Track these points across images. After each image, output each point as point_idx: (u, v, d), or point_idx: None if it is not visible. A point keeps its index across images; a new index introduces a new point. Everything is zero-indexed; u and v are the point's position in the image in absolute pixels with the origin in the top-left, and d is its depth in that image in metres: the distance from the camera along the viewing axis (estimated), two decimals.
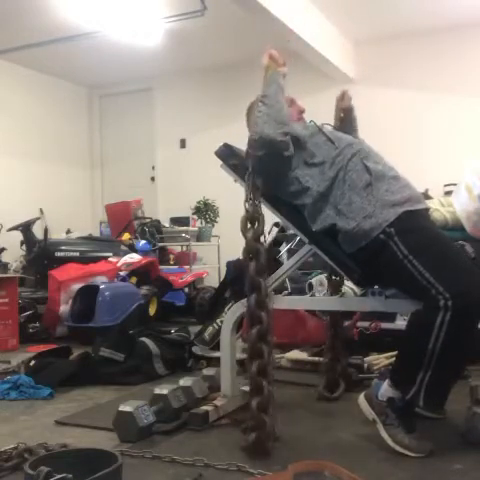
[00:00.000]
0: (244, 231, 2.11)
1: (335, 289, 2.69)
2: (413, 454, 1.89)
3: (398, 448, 1.91)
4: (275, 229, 5.00)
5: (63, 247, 5.26)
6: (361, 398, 2.12)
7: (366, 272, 2.14)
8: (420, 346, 1.88)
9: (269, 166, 2.22)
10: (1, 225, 5.79)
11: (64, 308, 4.50)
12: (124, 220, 6.45)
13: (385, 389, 2.01)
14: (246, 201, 2.14)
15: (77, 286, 4.55)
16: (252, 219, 2.12)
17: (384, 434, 1.97)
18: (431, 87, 6.54)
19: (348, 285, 2.88)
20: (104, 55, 7.03)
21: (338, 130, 2.54)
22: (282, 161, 2.22)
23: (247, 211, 2.13)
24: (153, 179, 8.13)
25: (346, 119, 2.66)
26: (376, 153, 2.28)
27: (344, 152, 2.20)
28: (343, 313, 2.81)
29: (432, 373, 1.87)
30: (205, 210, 6.75)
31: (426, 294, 1.90)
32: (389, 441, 1.94)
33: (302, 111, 2.48)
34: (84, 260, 5.12)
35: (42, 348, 3.57)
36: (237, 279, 3.34)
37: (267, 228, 4.56)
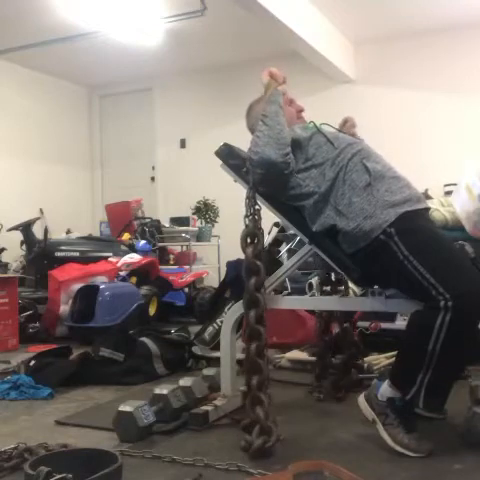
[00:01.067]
0: (244, 247, 2.11)
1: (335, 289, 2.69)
2: (413, 454, 1.88)
3: (398, 448, 1.91)
4: (275, 229, 5.00)
5: (63, 247, 5.26)
6: (361, 398, 2.12)
7: (366, 272, 2.14)
8: (420, 346, 1.88)
9: (269, 182, 2.24)
10: (1, 225, 5.79)
11: (64, 308, 4.50)
12: (124, 220, 6.46)
13: (385, 389, 2.01)
14: (246, 216, 2.15)
15: (77, 286, 4.55)
16: (252, 235, 2.13)
17: (384, 434, 1.97)
18: (431, 87, 6.54)
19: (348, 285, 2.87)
20: (104, 55, 7.03)
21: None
22: (282, 178, 2.22)
23: (247, 226, 2.13)
24: (153, 179, 8.13)
25: None
26: (375, 153, 2.27)
27: (344, 152, 2.20)
28: (343, 313, 2.81)
29: (432, 373, 1.87)
30: (205, 210, 6.76)
31: (426, 294, 1.90)
32: (389, 441, 1.94)
33: (301, 110, 2.48)
34: (84, 260, 5.12)
35: (42, 348, 3.57)
36: (237, 279, 3.33)
37: (267, 228, 4.56)
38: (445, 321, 1.83)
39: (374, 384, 2.10)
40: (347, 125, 2.61)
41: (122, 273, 5.06)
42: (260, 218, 2.18)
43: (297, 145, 2.25)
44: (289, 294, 3.98)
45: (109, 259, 5.20)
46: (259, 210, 2.19)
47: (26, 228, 5.36)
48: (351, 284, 2.67)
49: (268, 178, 2.21)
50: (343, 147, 2.22)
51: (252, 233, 2.13)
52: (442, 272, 1.91)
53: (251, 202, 2.18)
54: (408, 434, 1.92)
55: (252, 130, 2.37)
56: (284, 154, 2.18)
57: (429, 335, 1.85)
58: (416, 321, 1.96)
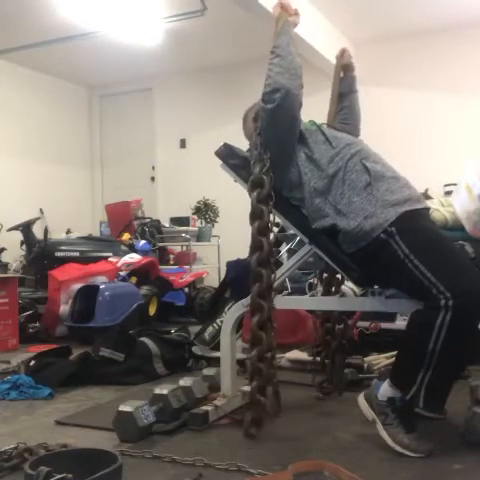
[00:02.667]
0: (250, 193, 2.09)
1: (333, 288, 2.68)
2: (413, 454, 1.88)
3: (398, 448, 1.91)
4: (275, 229, 5.00)
5: (63, 247, 5.26)
6: (361, 398, 2.11)
7: (366, 272, 2.13)
8: (420, 346, 1.88)
9: (281, 119, 2.16)
10: (1, 225, 5.80)
11: (64, 308, 4.50)
12: (124, 220, 6.46)
13: (385, 389, 2.01)
14: (255, 162, 2.12)
15: (77, 286, 4.55)
16: (258, 182, 2.11)
17: (384, 434, 1.97)
18: (431, 87, 6.54)
19: (348, 285, 2.88)
20: (104, 55, 7.03)
21: (338, 92, 2.62)
22: (292, 120, 2.17)
23: (255, 173, 2.11)
24: (153, 179, 8.13)
25: (346, 78, 2.67)
26: (375, 153, 2.27)
27: (343, 152, 2.19)
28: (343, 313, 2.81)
29: (432, 373, 1.87)
30: (205, 210, 6.76)
31: (427, 293, 1.90)
32: (389, 441, 1.94)
33: None
34: (84, 260, 5.12)
35: (42, 348, 3.57)
36: (237, 279, 3.34)
37: None
38: (445, 320, 1.83)
39: (374, 384, 2.10)
40: (345, 55, 2.63)
41: (122, 273, 5.06)
42: (269, 163, 2.13)
43: (300, 137, 2.23)
44: (289, 294, 3.98)
45: (109, 259, 5.20)
46: (268, 158, 2.14)
47: (26, 228, 5.36)
48: (351, 284, 2.67)
49: (281, 111, 2.12)
50: (342, 147, 2.21)
51: (258, 180, 2.10)
52: (443, 271, 1.91)
53: (259, 149, 2.14)
54: (408, 434, 1.92)
55: (251, 139, 2.35)
56: (298, 85, 2.16)
57: (429, 334, 1.85)
58: (416, 320, 1.96)
